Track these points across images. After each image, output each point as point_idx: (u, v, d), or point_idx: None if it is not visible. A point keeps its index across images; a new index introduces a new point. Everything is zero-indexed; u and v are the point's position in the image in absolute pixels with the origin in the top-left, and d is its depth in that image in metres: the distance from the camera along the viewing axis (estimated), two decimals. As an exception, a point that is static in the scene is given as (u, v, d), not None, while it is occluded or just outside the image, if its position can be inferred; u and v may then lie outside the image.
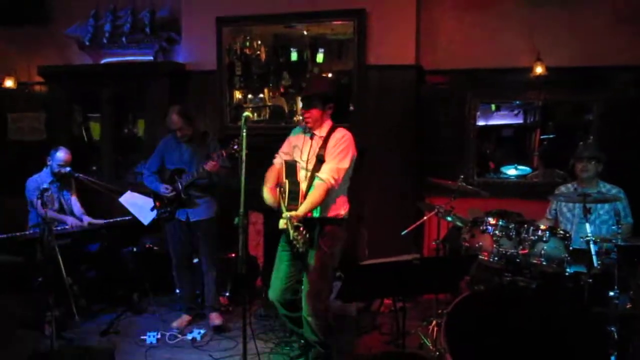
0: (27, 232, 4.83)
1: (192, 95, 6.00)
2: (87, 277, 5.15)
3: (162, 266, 5.21)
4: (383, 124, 5.54)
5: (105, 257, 5.23)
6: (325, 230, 3.57)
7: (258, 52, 5.95)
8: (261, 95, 5.94)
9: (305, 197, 3.46)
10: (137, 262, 5.36)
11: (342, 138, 3.57)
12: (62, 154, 5.10)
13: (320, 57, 5.83)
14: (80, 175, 5.03)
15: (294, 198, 3.44)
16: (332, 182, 3.51)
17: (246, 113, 3.32)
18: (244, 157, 3.24)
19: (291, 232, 3.22)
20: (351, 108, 5.57)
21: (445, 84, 5.71)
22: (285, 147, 3.75)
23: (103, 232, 5.14)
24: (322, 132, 3.60)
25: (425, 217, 4.65)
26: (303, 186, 3.49)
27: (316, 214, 3.52)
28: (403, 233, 4.54)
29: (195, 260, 5.00)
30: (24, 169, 5.43)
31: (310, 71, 6.04)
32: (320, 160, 3.52)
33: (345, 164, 3.56)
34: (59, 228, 4.88)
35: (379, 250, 5.09)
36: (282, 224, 3.37)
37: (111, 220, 5.25)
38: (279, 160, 3.72)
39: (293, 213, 3.33)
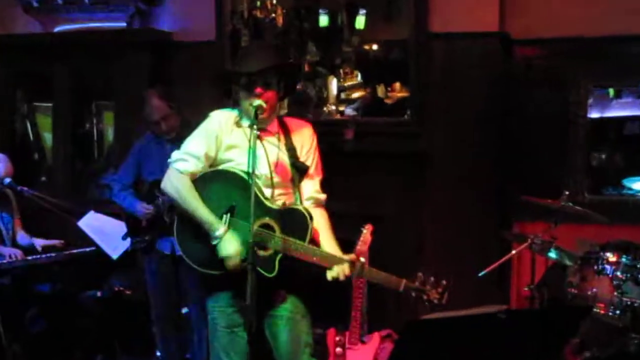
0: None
1: (180, 77, 6.06)
2: (32, 331, 5.20)
3: (137, 317, 5.25)
4: (452, 117, 5.53)
5: (58, 304, 5.28)
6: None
7: (273, 15, 6.01)
8: (277, 76, 6.00)
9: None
10: (103, 311, 5.41)
11: (313, 133, 3.59)
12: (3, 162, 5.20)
13: (360, 22, 5.86)
14: (25, 189, 5.10)
15: (302, 232, 3.35)
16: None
17: (257, 101, 3.33)
18: (254, 166, 3.26)
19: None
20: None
21: (541, 59, 5.67)
22: (208, 145, 3.40)
23: (56, 269, 5.21)
24: (273, 126, 3.51)
25: (513, 252, 4.63)
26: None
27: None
28: (481, 274, 4.51)
29: (185, 310, 5.02)
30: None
31: (348, 42, 6.06)
32: (300, 170, 3.49)
33: (322, 173, 3.63)
34: (-6, 263, 4.96)
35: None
36: (337, 273, 3.32)
37: (67, 252, 5.31)
38: (193, 167, 3.39)
39: (350, 255, 3.34)
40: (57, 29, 6.49)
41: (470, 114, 5.52)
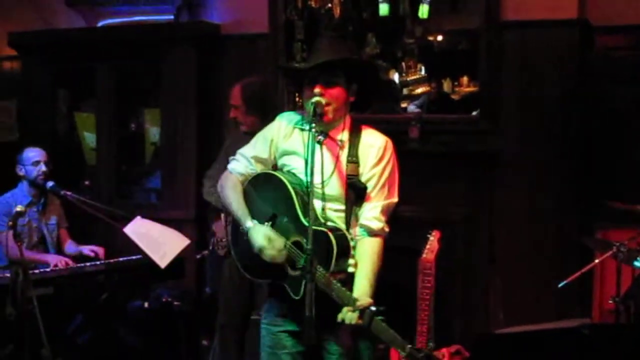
0: (-8, 277, 5.03)
1: (230, 71, 6.12)
2: (77, 342, 5.29)
3: (186, 331, 5.30)
4: (527, 113, 5.50)
5: (104, 314, 5.36)
6: None
7: (330, 5, 6.04)
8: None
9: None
10: (149, 323, 5.48)
11: (385, 150, 3.35)
12: (33, 153, 5.32)
13: (424, 11, 5.85)
14: (68, 193, 5.20)
15: (343, 256, 3.23)
16: (387, 232, 3.33)
17: (316, 98, 3.26)
18: (314, 164, 3.20)
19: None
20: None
21: (625, 49, 5.59)
22: (259, 148, 3.43)
23: (101, 279, 5.29)
24: (342, 133, 3.35)
25: (596, 261, 4.56)
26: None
27: None
28: (561, 285, 4.45)
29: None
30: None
31: (410, 33, 6.05)
32: (355, 189, 3.36)
33: (395, 197, 3.38)
34: (37, 271, 5.06)
35: (521, 310, 5.04)
36: (352, 317, 3.20)
37: (113, 260, 5.40)
38: (243, 168, 3.44)
39: (364, 300, 3.09)
40: (100, 24, 6.61)
41: (547, 110, 5.47)
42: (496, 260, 5.44)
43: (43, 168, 5.28)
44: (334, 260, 3.08)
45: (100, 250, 5.38)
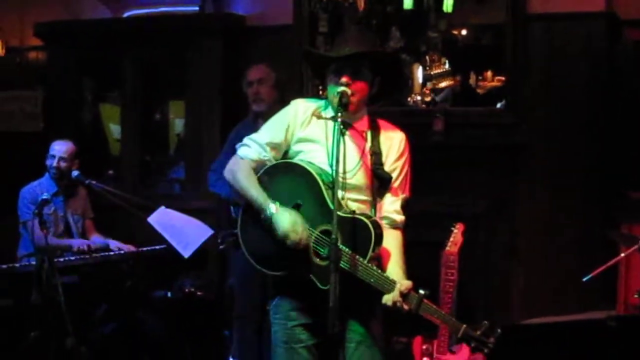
0: (17, 265, 5.04)
1: (254, 63, 6.08)
2: (100, 333, 5.32)
3: (209, 321, 5.31)
4: (552, 106, 5.51)
5: (127, 303, 5.39)
6: None
7: (354, -1, 6.03)
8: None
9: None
10: (173, 312, 5.51)
11: (406, 143, 3.38)
12: (60, 145, 5.34)
13: (448, 5, 5.84)
14: (93, 182, 5.23)
15: (378, 244, 3.17)
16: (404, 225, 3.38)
17: (342, 87, 3.25)
18: (339, 155, 3.19)
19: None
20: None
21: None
22: (273, 134, 3.34)
23: (125, 268, 5.32)
24: (361, 124, 3.36)
25: (622, 255, 4.50)
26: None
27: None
28: (585, 279, 4.40)
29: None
30: (13, 174, 5.74)
31: (434, 26, 6.03)
32: (381, 179, 3.33)
33: (409, 192, 3.41)
34: (62, 259, 5.08)
35: (543, 303, 5.06)
36: (392, 299, 3.14)
37: (137, 250, 5.43)
38: (255, 154, 3.33)
39: (407, 283, 3.10)
40: (126, 14, 6.63)
41: (573, 103, 5.47)
42: (519, 253, 5.43)
43: (54, 163, 5.29)
44: (372, 247, 3.07)
45: (127, 249, 5.40)
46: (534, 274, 5.43)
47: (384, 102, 5.67)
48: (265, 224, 3.17)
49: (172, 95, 6.67)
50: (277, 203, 3.16)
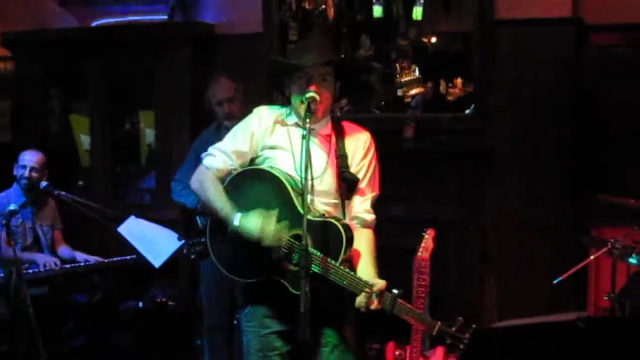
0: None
1: (218, 74, 6.06)
2: (71, 344, 5.28)
3: (181, 331, 5.28)
4: (521, 112, 5.53)
5: (98, 315, 5.36)
6: None
7: (323, 7, 6.04)
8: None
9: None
10: (144, 323, 5.47)
11: (371, 142, 3.42)
12: (31, 155, 5.30)
13: (418, 12, 5.87)
14: (62, 193, 5.19)
15: (349, 246, 3.20)
16: (374, 224, 3.41)
17: (311, 94, 3.24)
18: (308, 159, 3.19)
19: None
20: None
21: (620, 47, 5.61)
22: (239, 142, 3.35)
23: (95, 279, 5.28)
24: (325, 129, 3.38)
25: (591, 257, 4.54)
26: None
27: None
28: (555, 282, 4.44)
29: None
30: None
31: (404, 34, 6.05)
32: (348, 181, 3.34)
33: (378, 190, 3.45)
34: (30, 271, 5.03)
35: (515, 307, 5.06)
36: (366, 301, 3.11)
37: (106, 260, 5.39)
38: (222, 164, 3.33)
39: (380, 283, 3.12)
40: (94, 24, 6.60)
41: (541, 107, 5.49)
42: (489, 258, 5.46)
43: (26, 173, 5.24)
44: (343, 249, 3.11)
45: (94, 261, 5.35)
46: (505, 277, 5.45)
47: (353, 109, 5.76)
48: (232, 235, 3.17)
49: (141, 105, 6.60)
50: (243, 212, 3.16)
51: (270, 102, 5.59)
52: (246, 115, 4.54)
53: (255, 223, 3.12)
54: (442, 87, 6.12)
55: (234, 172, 3.32)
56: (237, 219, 3.14)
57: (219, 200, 3.24)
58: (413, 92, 6.13)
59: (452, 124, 5.69)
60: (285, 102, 3.46)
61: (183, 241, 4.82)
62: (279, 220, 3.14)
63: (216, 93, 4.79)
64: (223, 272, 3.29)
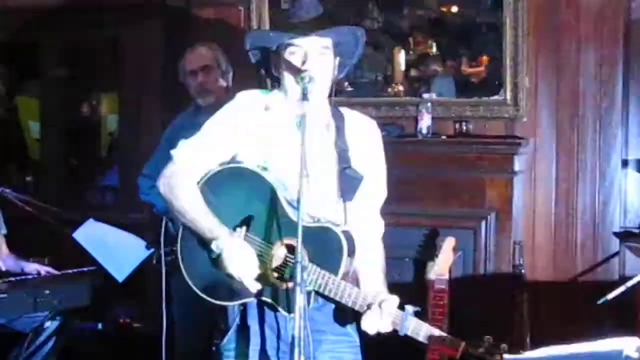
0: None
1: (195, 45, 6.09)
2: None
3: (149, 357, 5.26)
4: (560, 95, 5.56)
5: (47, 339, 5.29)
6: None
7: (323, -32, 6.03)
8: (329, 47, 6.03)
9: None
10: (103, 349, 5.47)
11: (377, 134, 3.43)
12: None
13: (436, -25, 5.86)
14: (7, 190, 5.17)
15: (351, 257, 3.16)
16: (382, 231, 3.40)
17: (308, 72, 3.21)
18: (305, 151, 3.15)
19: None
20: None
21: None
22: (217, 135, 3.30)
23: (46, 295, 5.24)
24: (323, 115, 3.36)
25: (645, 273, 4.53)
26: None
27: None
28: (601, 301, 4.41)
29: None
30: None
31: (419, 2, 6.04)
32: (350, 180, 3.31)
33: (385, 191, 3.44)
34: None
35: (552, 329, 5.08)
36: (373, 321, 3.09)
37: (59, 272, 5.34)
38: (196, 161, 3.28)
39: (391, 299, 3.08)
40: (48, -8, 6.57)
41: (585, 89, 5.51)
42: (523, 271, 5.43)
43: None
44: (343, 261, 3.07)
45: (46, 272, 5.31)
46: (541, 296, 5.44)
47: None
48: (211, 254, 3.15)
49: (103, 85, 6.62)
50: (227, 231, 3.12)
51: (261, 85, 5.63)
52: (225, 95, 4.65)
53: (236, 260, 3.08)
54: (465, 66, 6.10)
55: (212, 171, 3.26)
56: (222, 238, 3.10)
57: (194, 207, 3.19)
58: (429, 71, 6.12)
59: (477, 110, 5.68)
60: (272, 83, 3.42)
61: (152, 250, 4.82)
62: (266, 228, 3.14)
63: (188, 61, 4.85)
64: (199, 293, 3.24)
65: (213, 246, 3.10)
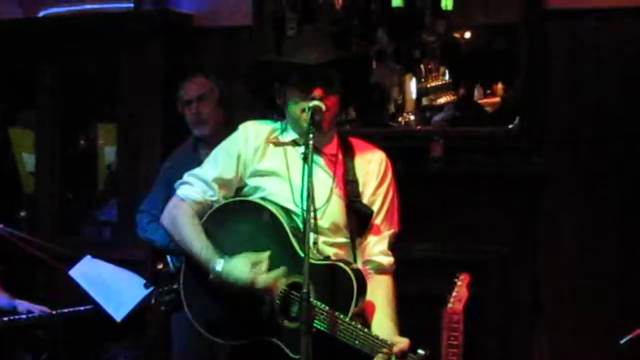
0: None
1: (209, 73, 6.09)
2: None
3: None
4: (579, 124, 5.55)
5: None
6: None
7: (330, -5, 6.06)
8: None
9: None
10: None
11: (387, 166, 3.41)
12: None
13: (448, 2, 5.85)
14: (0, 226, 5.16)
15: (361, 296, 3.14)
16: (394, 268, 3.37)
17: (315, 102, 3.19)
18: (312, 185, 3.15)
19: None
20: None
21: None
22: (222, 168, 3.35)
23: (40, 335, 5.24)
24: (330, 147, 3.38)
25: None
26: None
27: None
28: (623, 341, 4.40)
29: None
30: None
31: (431, 28, 6.05)
32: (360, 214, 3.32)
33: (397, 225, 3.43)
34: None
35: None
36: None
37: (55, 312, 5.33)
38: (200, 194, 3.33)
39: (402, 342, 3.06)
40: (42, 13, 6.57)
41: (604, 120, 5.50)
42: (541, 309, 5.45)
43: None
44: (354, 300, 3.06)
45: (39, 311, 5.29)
46: (561, 334, 5.44)
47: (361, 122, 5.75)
48: (214, 284, 3.15)
49: (100, 115, 6.62)
50: (226, 257, 3.14)
51: (265, 114, 5.63)
52: (222, 124, 4.69)
53: (243, 268, 3.09)
54: (478, 95, 6.11)
55: (216, 206, 3.30)
56: (220, 264, 3.12)
57: (197, 240, 3.22)
58: (442, 100, 6.14)
59: (490, 141, 5.68)
60: (276, 114, 3.43)
61: (151, 288, 4.81)
62: (272, 265, 3.12)
63: (185, 90, 4.92)
64: (202, 332, 3.25)
65: (214, 267, 3.12)
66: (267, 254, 3.13)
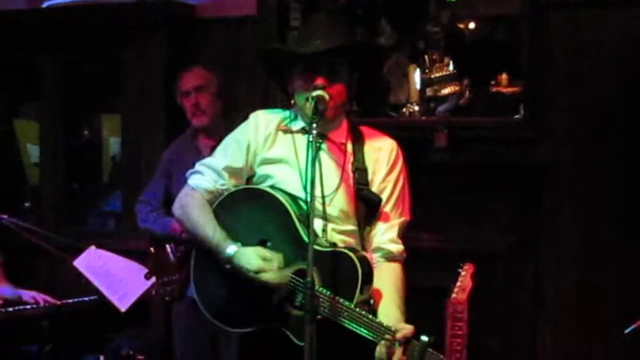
0: None
1: (208, 64, 6.09)
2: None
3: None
4: (583, 115, 5.53)
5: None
6: None
7: (334, -16, 6.07)
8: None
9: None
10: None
11: (397, 154, 3.43)
12: None
13: (453, -8, 5.90)
14: (4, 217, 5.18)
15: (367, 283, 3.15)
16: (404, 256, 3.40)
17: (318, 91, 3.21)
18: (320, 173, 3.17)
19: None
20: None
21: None
22: (232, 157, 3.39)
23: (45, 325, 5.25)
24: (339, 134, 3.41)
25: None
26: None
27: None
28: (628, 330, 4.40)
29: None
30: None
31: (435, 19, 6.06)
32: (368, 202, 3.34)
33: (408, 214, 3.45)
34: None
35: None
36: (387, 351, 3.04)
37: (60, 302, 5.35)
38: (211, 183, 3.38)
39: (406, 328, 3.08)
40: (45, 4, 6.58)
41: (608, 110, 5.49)
42: (544, 301, 5.45)
43: None
44: (359, 288, 3.07)
45: (43, 299, 5.32)
46: (563, 325, 5.43)
47: (366, 112, 5.76)
48: (224, 268, 3.18)
49: (104, 107, 6.63)
50: (238, 243, 3.17)
51: (267, 104, 5.65)
52: (220, 115, 4.80)
53: (253, 257, 3.13)
54: (483, 84, 6.12)
55: (226, 194, 3.34)
56: (232, 249, 3.16)
57: (208, 224, 3.26)
58: (446, 91, 6.13)
59: (495, 131, 5.68)
60: (287, 102, 3.46)
61: (152, 279, 4.84)
62: (279, 252, 3.16)
63: (183, 81, 4.99)
64: (212, 321, 3.29)
65: (224, 257, 3.16)
66: (280, 255, 3.15)
